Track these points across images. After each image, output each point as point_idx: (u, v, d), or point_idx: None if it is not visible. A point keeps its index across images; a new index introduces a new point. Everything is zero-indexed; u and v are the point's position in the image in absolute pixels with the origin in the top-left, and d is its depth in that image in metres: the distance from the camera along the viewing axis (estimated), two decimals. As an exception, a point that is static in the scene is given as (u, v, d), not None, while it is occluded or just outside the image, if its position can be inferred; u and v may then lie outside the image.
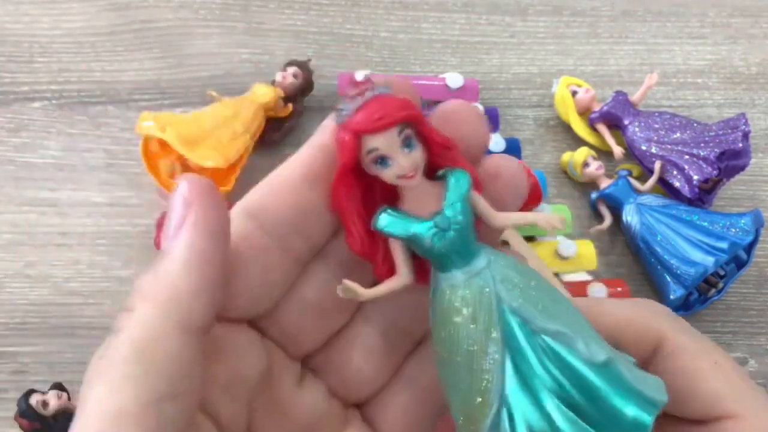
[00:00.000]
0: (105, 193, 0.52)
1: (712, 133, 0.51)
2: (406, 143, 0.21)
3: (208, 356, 0.21)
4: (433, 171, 0.22)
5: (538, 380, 0.21)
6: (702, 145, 0.51)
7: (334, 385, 0.25)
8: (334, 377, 0.25)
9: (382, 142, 0.21)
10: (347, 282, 0.22)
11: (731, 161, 0.51)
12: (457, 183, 0.22)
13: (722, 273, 0.50)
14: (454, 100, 0.23)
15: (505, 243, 0.46)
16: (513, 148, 0.53)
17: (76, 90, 0.56)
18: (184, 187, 0.20)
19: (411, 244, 0.22)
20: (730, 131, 0.51)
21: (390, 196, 0.22)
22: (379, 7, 0.62)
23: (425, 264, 0.23)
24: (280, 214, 0.22)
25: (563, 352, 0.21)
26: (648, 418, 0.21)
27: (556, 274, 0.48)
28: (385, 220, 0.22)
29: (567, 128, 0.57)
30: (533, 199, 0.49)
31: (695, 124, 0.53)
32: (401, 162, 0.21)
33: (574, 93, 0.56)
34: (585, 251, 0.49)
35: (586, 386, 0.21)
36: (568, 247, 0.48)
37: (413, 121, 0.21)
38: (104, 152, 0.53)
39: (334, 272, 0.23)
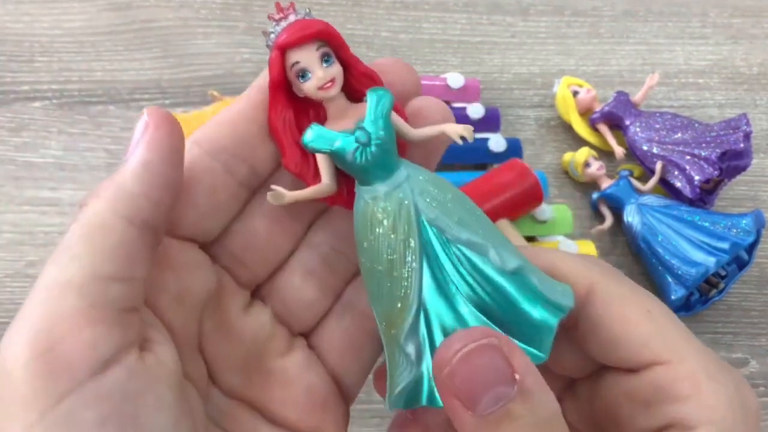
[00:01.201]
0: (106, 192, 0.52)
1: (714, 134, 0.51)
2: (325, 59, 0.23)
3: (159, 266, 0.23)
4: (358, 97, 0.24)
5: (453, 286, 0.22)
6: (703, 145, 0.51)
7: (278, 310, 0.26)
8: (278, 301, 0.26)
9: (301, 56, 0.23)
10: (274, 187, 0.24)
11: (732, 162, 0.51)
12: (379, 101, 0.23)
13: (723, 273, 0.50)
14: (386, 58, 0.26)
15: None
16: (514, 148, 0.53)
17: (76, 89, 0.56)
18: (145, 114, 0.23)
19: (335, 159, 0.24)
20: (731, 131, 0.51)
21: (321, 119, 0.24)
22: (381, 7, 0.62)
23: (353, 187, 0.24)
24: (223, 141, 0.24)
25: (477, 259, 0.22)
26: (554, 321, 0.22)
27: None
28: (311, 136, 0.24)
29: (568, 128, 0.57)
30: (534, 198, 0.48)
31: (696, 125, 0.53)
32: (318, 73, 0.23)
33: (575, 93, 0.56)
34: (586, 251, 0.49)
35: (497, 291, 0.22)
36: (569, 247, 0.48)
37: (331, 40, 0.24)
38: (105, 152, 0.53)
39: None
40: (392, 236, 0.22)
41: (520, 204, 0.48)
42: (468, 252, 0.22)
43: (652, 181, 0.52)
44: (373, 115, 0.23)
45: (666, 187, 0.53)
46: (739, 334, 0.51)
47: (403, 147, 0.24)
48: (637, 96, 0.55)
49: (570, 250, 0.48)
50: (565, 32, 0.63)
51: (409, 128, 0.24)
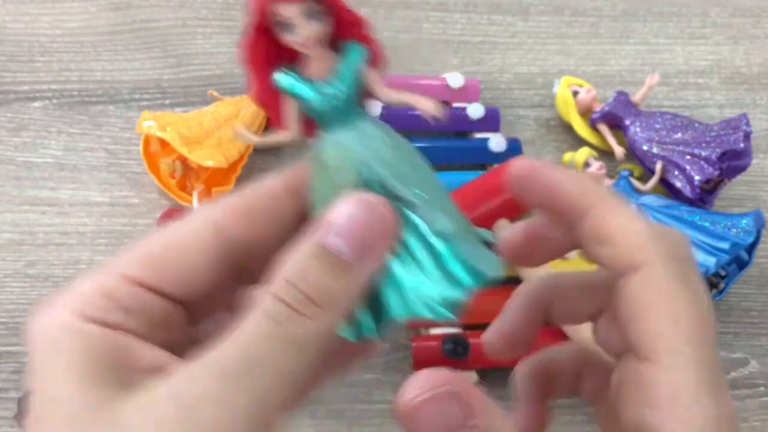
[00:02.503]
0: (105, 192, 0.52)
1: (714, 134, 0.51)
2: (311, 15, 0.24)
3: None
4: (340, 43, 0.25)
5: None
6: (703, 145, 0.51)
7: None
8: None
9: (288, 10, 0.23)
10: (238, 127, 0.27)
11: (732, 162, 0.51)
12: (353, 55, 0.25)
13: (723, 273, 0.50)
14: None
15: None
16: (514, 148, 0.53)
17: (76, 89, 0.56)
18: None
19: (301, 105, 0.25)
20: (731, 131, 0.51)
21: (298, 60, 0.25)
22: (381, 7, 0.62)
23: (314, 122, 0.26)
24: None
25: (413, 217, 0.23)
26: (472, 284, 0.23)
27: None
28: (282, 79, 0.25)
29: (568, 128, 0.57)
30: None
31: (696, 125, 0.53)
32: (303, 31, 0.24)
33: (575, 93, 0.56)
34: (586, 251, 0.49)
35: (425, 247, 0.23)
36: (569, 247, 0.48)
37: None
38: (105, 152, 0.53)
39: None
40: (336, 181, 0.24)
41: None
42: (405, 209, 0.23)
43: (652, 181, 0.52)
44: (344, 69, 0.25)
45: (666, 187, 0.53)
46: (739, 334, 0.51)
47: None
48: (637, 96, 0.55)
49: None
50: (565, 32, 0.63)
51: (381, 88, 0.25)
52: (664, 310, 0.22)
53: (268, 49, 0.25)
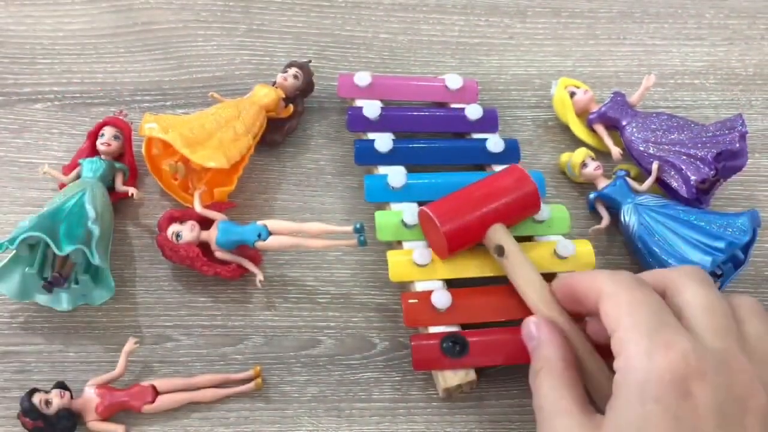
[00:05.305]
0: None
1: (710, 134, 0.52)
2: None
3: None
4: None
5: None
6: (699, 145, 0.51)
7: None
8: None
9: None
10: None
11: (728, 162, 0.51)
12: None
13: (719, 273, 0.51)
14: None
15: (501, 247, 0.46)
16: (512, 148, 0.54)
17: (78, 91, 0.56)
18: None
19: None
20: (727, 132, 0.51)
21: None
22: (379, 9, 0.63)
23: None
24: None
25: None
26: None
27: (554, 275, 0.48)
28: None
29: (565, 129, 0.58)
30: (530, 205, 0.48)
31: (692, 125, 0.53)
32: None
33: (572, 94, 0.57)
34: (583, 251, 0.49)
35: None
36: (567, 246, 0.49)
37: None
38: (106, 153, 0.54)
39: None
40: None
41: (516, 210, 0.48)
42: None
43: (649, 181, 0.52)
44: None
45: (663, 187, 0.53)
46: (735, 332, 0.51)
47: None
48: (633, 97, 0.56)
49: (568, 249, 0.48)
50: (562, 34, 0.63)
51: None
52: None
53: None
